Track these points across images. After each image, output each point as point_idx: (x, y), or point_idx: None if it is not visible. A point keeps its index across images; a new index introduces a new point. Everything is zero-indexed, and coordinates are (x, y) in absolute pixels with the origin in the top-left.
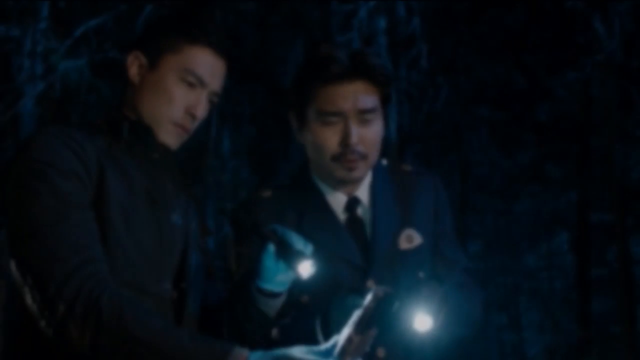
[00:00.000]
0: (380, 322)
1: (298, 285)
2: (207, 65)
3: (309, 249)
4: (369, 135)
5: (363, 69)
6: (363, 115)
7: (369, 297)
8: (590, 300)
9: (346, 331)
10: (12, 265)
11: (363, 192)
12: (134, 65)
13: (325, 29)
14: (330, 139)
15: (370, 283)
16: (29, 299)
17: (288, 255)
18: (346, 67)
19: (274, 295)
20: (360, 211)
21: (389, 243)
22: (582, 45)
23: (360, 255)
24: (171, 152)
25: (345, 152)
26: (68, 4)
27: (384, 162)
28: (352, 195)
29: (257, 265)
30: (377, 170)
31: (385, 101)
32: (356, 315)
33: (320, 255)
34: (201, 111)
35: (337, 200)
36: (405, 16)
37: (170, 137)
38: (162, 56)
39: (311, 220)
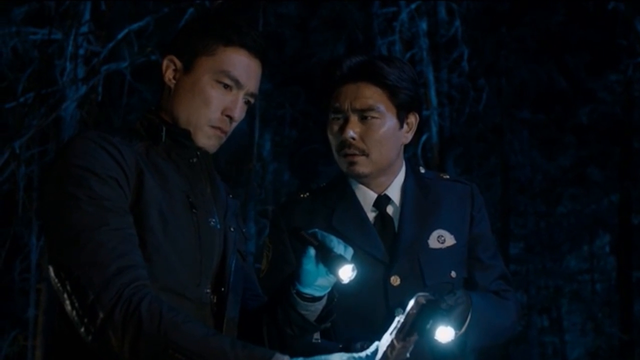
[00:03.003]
0: (422, 329)
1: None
2: (243, 66)
3: (349, 253)
4: (368, 132)
5: (364, 72)
6: (362, 112)
7: (411, 304)
8: (632, 303)
9: (388, 337)
10: (51, 272)
11: (394, 192)
12: (169, 69)
13: (366, 31)
14: (335, 133)
15: (393, 278)
16: (68, 306)
17: (329, 260)
18: (348, 70)
19: (314, 299)
20: (390, 209)
21: (417, 241)
22: (624, 47)
23: (386, 250)
24: (209, 156)
25: (343, 146)
26: (110, 7)
27: (422, 169)
28: (383, 193)
29: (297, 269)
30: (411, 174)
31: (401, 107)
32: (398, 321)
33: None
34: (238, 113)
35: (367, 198)
36: (446, 19)
37: (208, 140)
38: (196, 59)
39: (340, 216)
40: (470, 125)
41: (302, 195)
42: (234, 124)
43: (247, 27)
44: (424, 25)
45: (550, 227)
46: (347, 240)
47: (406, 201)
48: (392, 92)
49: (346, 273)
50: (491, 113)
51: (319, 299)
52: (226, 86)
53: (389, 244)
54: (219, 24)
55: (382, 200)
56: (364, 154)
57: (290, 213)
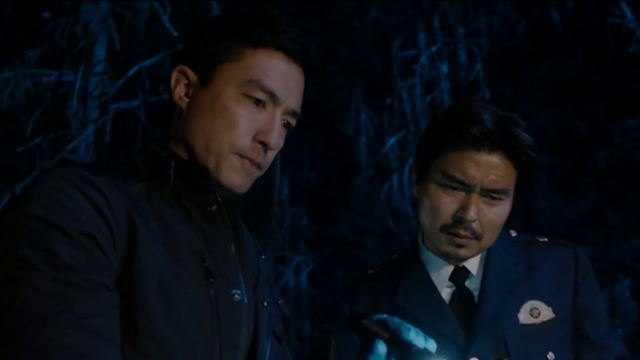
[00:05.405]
0: None
1: None
2: (279, 73)
3: (432, 345)
4: (491, 216)
5: (507, 140)
6: (492, 193)
7: None
8: None
9: None
10: None
11: (474, 262)
12: (180, 83)
13: (386, 75)
14: (446, 206)
15: None
16: None
17: (408, 357)
18: (488, 133)
19: None
20: (468, 283)
21: (502, 315)
22: None
23: (463, 329)
24: (234, 202)
25: (458, 226)
26: (125, 45)
27: (513, 233)
28: (461, 265)
29: None
30: (497, 239)
31: (521, 183)
32: None
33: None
34: (276, 137)
35: (441, 271)
36: (467, 62)
37: (235, 175)
38: (216, 68)
39: (406, 291)
40: None
41: (369, 272)
42: (271, 154)
43: (284, 24)
44: (444, 68)
45: None
46: (415, 319)
47: (489, 271)
48: (524, 170)
49: None
50: None
51: None
52: (258, 101)
53: (467, 323)
54: (245, 20)
55: (460, 273)
56: (477, 237)
57: (355, 294)
